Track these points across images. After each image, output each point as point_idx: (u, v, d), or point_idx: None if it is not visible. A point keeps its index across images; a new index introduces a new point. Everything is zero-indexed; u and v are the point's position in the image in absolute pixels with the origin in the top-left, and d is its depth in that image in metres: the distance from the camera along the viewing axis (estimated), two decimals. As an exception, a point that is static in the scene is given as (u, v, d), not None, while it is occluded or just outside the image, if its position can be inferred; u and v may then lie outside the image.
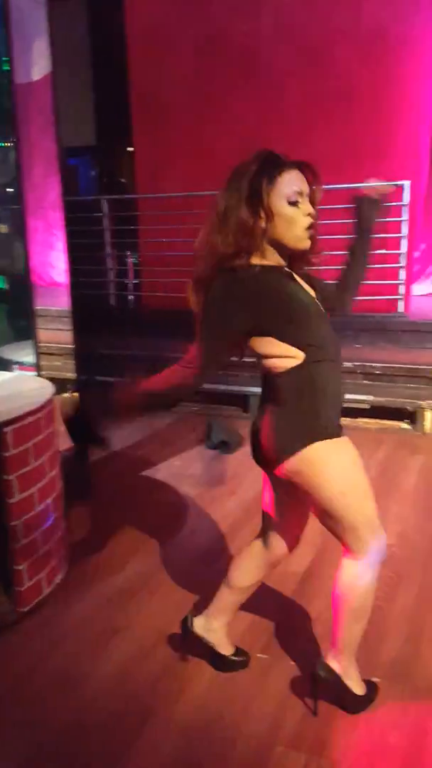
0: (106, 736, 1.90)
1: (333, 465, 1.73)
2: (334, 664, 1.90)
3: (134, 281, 7.13)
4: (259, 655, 2.21)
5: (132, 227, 6.78)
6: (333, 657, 1.91)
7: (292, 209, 1.66)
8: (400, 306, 5.60)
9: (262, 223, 1.65)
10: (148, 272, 6.85)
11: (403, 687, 2.05)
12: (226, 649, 2.13)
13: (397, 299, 5.61)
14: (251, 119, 5.67)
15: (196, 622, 2.12)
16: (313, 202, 1.70)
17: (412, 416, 4.63)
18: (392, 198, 5.28)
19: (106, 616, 2.47)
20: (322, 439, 1.71)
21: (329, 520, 1.78)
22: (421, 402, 4.55)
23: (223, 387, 5.15)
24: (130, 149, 7.13)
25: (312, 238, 1.71)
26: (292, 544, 2.03)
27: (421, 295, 7.20)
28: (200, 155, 5.87)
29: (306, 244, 1.72)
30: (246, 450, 4.07)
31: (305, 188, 1.69)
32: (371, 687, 2.00)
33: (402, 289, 5.59)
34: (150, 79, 6.19)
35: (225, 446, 4.25)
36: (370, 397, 4.70)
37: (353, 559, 1.81)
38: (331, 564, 2.71)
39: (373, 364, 4.80)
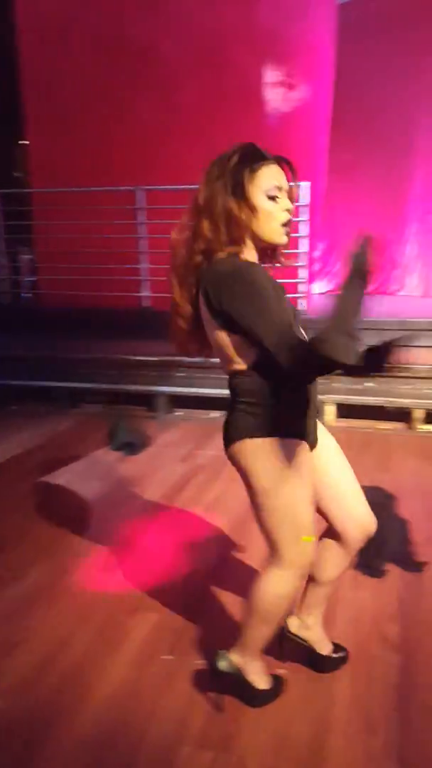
0: (4, 752, 1.81)
1: (265, 463, 1.69)
2: (235, 658, 1.90)
3: (31, 278, 6.90)
4: (164, 657, 2.17)
5: (27, 222, 6.55)
6: (236, 651, 1.90)
7: (271, 203, 1.66)
8: (303, 304, 5.72)
9: (244, 216, 1.65)
10: (46, 269, 6.65)
11: (307, 677, 2.08)
12: (326, 648, 2.07)
13: (298, 298, 5.72)
14: (148, 115, 5.63)
15: (290, 623, 2.04)
16: (290, 198, 1.70)
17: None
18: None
19: (4, 628, 2.36)
20: (275, 436, 1.67)
21: (257, 519, 1.76)
22: (321, 396, 4.66)
23: (128, 387, 5.10)
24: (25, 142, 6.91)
25: (287, 234, 1.71)
26: (356, 520, 1.90)
27: (319, 294, 7.45)
28: (96, 149, 5.76)
29: (282, 239, 1.71)
30: (152, 451, 4.10)
31: (284, 183, 1.69)
32: (277, 681, 2.00)
33: (303, 288, 5.71)
34: (43, 71, 6.03)
35: (130, 447, 4.18)
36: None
37: (272, 564, 1.78)
38: (238, 562, 2.75)
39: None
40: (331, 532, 1.94)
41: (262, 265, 1.73)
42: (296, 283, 5.67)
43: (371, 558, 2.72)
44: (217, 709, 1.94)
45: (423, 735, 1.84)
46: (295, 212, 5.50)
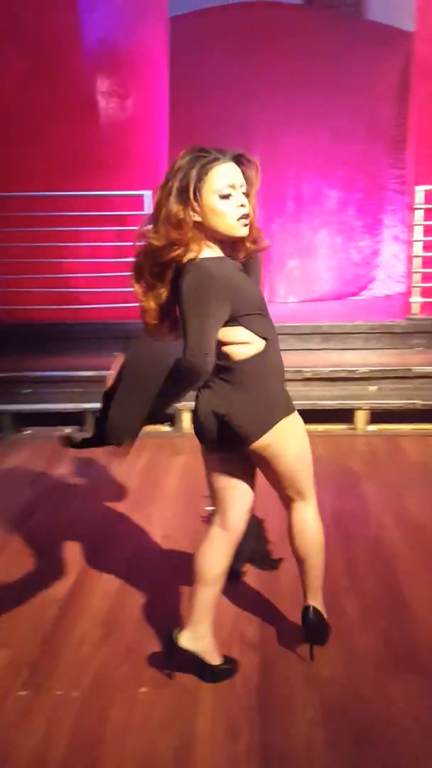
0: None
1: (294, 437, 1.94)
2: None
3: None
4: (19, 693, 2.06)
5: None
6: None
7: (224, 202, 1.76)
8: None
9: (196, 217, 1.75)
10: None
11: (171, 691, 2.06)
12: (215, 658, 2.08)
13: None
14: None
15: (181, 637, 2.03)
16: (250, 190, 1.81)
17: (171, 418, 4.74)
18: (133, 208, 5.47)
19: None
20: (283, 418, 1.90)
21: (285, 481, 2.00)
22: (177, 405, 4.68)
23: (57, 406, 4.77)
24: None
25: (249, 225, 1.81)
26: (246, 516, 2.09)
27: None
28: None
29: (241, 231, 1.81)
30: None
31: (238, 179, 1.79)
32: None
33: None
34: None
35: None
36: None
37: (301, 505, 2.06)
38: (93, 588, 2.66)
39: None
40: (220, 521, 2.10)
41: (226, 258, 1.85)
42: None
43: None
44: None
45: (284, 731, 1.88)
46: (139, 222, 5.54)
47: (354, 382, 4.85)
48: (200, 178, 1.74)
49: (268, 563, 2.77)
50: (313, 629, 2.11)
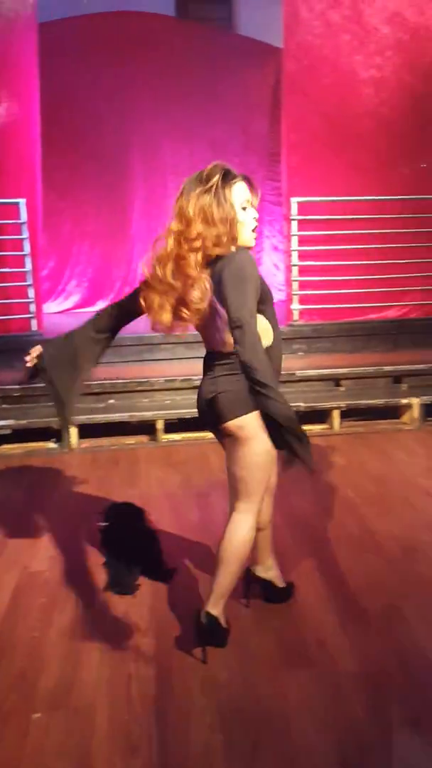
0: None
1: (260, 435, 2.02)
2: (214, 611, 2.14)
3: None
4: None
5: None
6: (212, 604, 2.14)
7: (243, 214, 2.04)
8: (34, 324, 5.57)
9: (235, 219, 2.01)
10: None
11: (65, 713, 2.01)
12: (282, 581, 2.52)
13: (29, 318, 5.56)
14: None
15: (257, 569, 2.44)
16: (254, 208, 2.08)
17: (58, 434, 4.63)
18: (10, 216, 5.31)
19: None
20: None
21: (235, 475, 2.16)
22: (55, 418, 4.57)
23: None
24: None
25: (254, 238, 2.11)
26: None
27: (57, 312, 7.33)
28: None
29: (253, 242, 2.11)
30: None
31: (250, 196, 2.05)
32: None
33: (33, 308, 5.56)
34: None
35: None
36: (11, 422, 4.57)
37: (240, 513, 2.17)
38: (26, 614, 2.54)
39: (12, 387, 4.68)
40: None
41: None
42: (26, 303, 5.50)
43: (123, 576, 2.73)
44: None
45: (182, 740, 1.88)
46: (15, 230, 5.41)
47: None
48: (230, 192, 2.00)
49: (162, 575, 2.76)
50: (204, 633, 2.15)
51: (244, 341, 1.88)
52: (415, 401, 4.87)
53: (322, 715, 1.95)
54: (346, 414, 4.93)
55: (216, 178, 1.99)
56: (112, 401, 4.84)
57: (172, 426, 4.69)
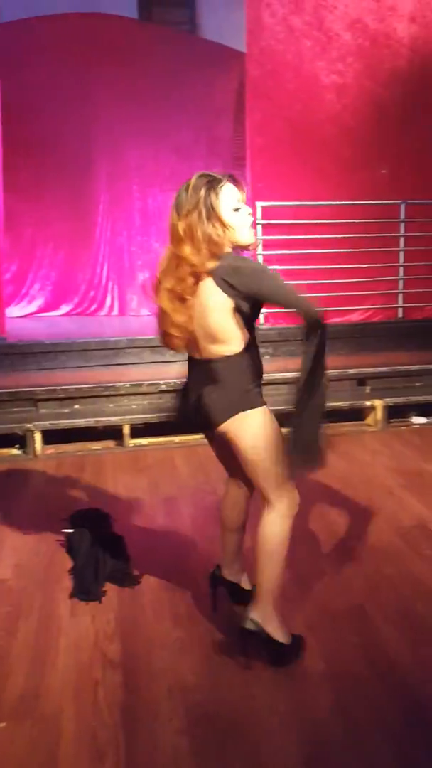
0: None
1: (251, 429, 2.07)
2: (256, 615, 2.13)
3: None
4: None
5: None
6: (255, 608, 2.14)
7: (237, 215, 2.03)
8: (-4, 329, 5.50)
9: (222, 232, 1.99)
10: None
11: (32, 721, 1.99)
12: (282, 636, 2.20)
13: (-8, 322, 5.49)
14: None
15: (223, 572, 2.45)
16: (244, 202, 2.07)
17: (22, 440, 4.58)
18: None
19: None
20: (246, 410, 2.06)
21: (249, 472, 2.14)
22: (29, 425, 4.53)
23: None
24: None
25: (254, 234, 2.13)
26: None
27: (21, 317, 7.26)
28: None
29: (252, 239, 2.10)
30: None
31: (240, 194, 2.05)
32: (297, 638, 2.23)
33: (-4, 312, 5.50)
34: None
35: None
36: (-26, 428, 4.51)
37: (268, 508, 2.14)
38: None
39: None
40: (231, 481, 2.42)
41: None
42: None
43: (89, 583, 2.72)
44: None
45: (150, 744, 1.88)
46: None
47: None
48: (217, 200, 1.98)
49: (129, 580, 2.75)
50: (248, 638, 2.17)
51: (313, 319, 2.05)
52: (379, 403, 4.95)
53: (288, 717, 1.97)
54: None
55: (202, 192, 1.98)
56: (77, 406, 4.81)
57: (139, 431, 4.69)
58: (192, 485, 3.91)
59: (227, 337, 2.04)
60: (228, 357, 2.06)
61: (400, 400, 5.05)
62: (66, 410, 4.76)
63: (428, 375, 5.29)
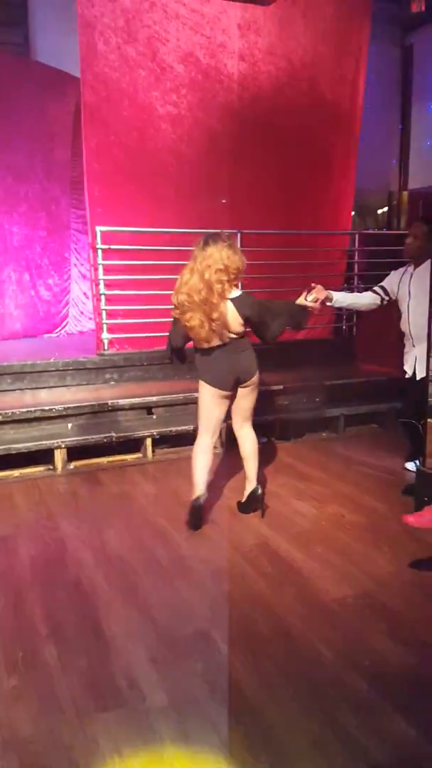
0: None
1: (200, 394, 3.63)
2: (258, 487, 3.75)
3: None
4: None
5: None
6: (256, 482, 3.76)
7: None
8: None
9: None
10: None
11: None
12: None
13: None
14: None
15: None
16: None
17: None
18: None
19: None
20: (203, 380, 3.58)
21: (251, 407, 3.70)
22: None
23: None
24: None
25: None
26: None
27: None
28: None
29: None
30: None
31: None
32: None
33: None
34: None
35: None
36: None
37: (249, 423, 3.75)
38: None
39: None
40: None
41: None
42: None
43: None
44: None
45: None
46: None
47: (50, 421, 4.81)
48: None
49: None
50: (259, 500, 3.74)
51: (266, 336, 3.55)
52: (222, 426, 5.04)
53: (127, 758, 1.92)
54: (159, 441, 5.00)
55: (230, 239, 3.41)
56: None
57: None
58: (30, 521, 3.73)
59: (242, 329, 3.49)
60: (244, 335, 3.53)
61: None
62: None
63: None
